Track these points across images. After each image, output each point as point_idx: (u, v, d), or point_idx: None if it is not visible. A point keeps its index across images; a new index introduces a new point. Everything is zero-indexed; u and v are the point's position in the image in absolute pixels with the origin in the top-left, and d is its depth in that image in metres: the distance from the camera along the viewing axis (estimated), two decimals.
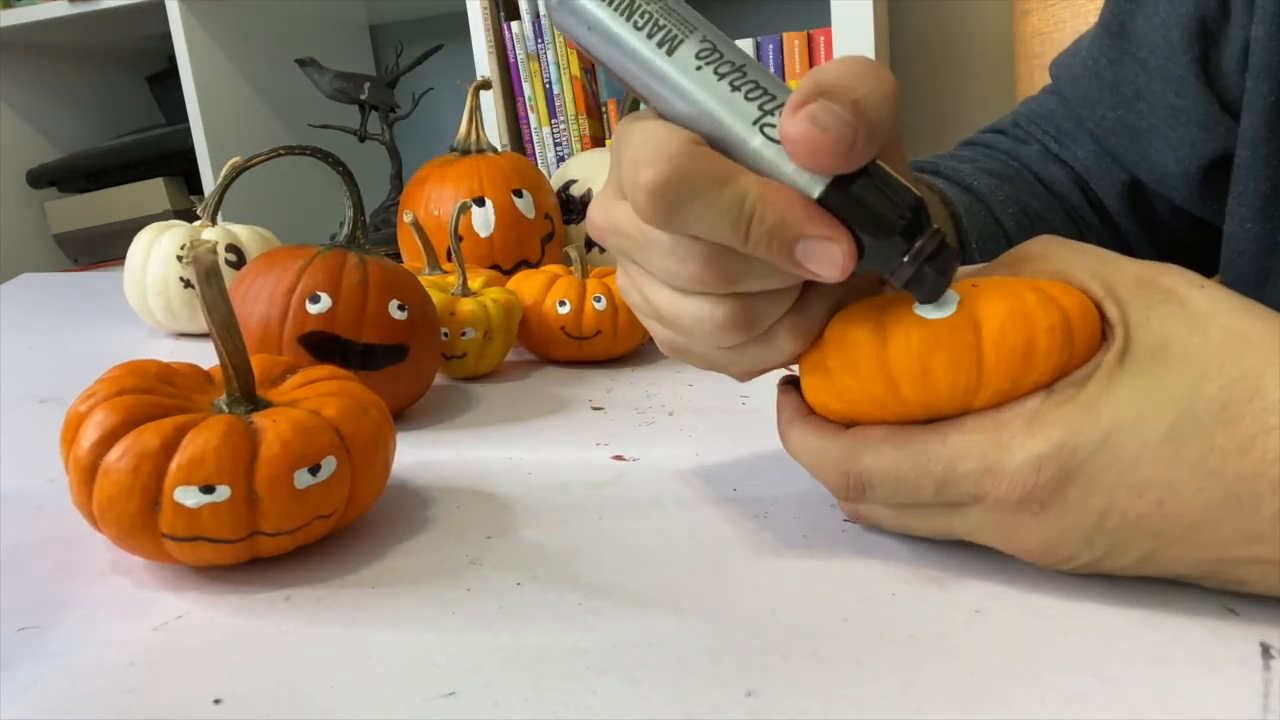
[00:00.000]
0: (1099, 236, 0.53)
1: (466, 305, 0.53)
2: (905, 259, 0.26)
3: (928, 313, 0.26)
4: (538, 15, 1.51)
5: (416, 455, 0.43)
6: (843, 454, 0.28)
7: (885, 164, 0.26)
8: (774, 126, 0.26)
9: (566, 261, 0.64)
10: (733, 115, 0.26)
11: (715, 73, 0.26)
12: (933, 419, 0.27)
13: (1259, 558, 0.24)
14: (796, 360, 0.30)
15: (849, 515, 0.31)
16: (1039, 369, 0.25)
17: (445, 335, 0.52)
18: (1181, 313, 0.26)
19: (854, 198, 0.26)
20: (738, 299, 0.28)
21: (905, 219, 0.26)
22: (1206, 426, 0.24)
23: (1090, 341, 0.26)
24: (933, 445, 0.27)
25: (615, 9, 0.26)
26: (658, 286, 0.29)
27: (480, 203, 0.70)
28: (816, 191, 0.26)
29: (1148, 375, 0.25)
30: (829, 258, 0.26)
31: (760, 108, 0.26)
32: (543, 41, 1.51)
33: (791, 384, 0.32)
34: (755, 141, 0.26)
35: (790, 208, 0.25)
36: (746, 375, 0.31)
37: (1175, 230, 0.52)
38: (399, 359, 0.45)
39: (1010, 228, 0.50)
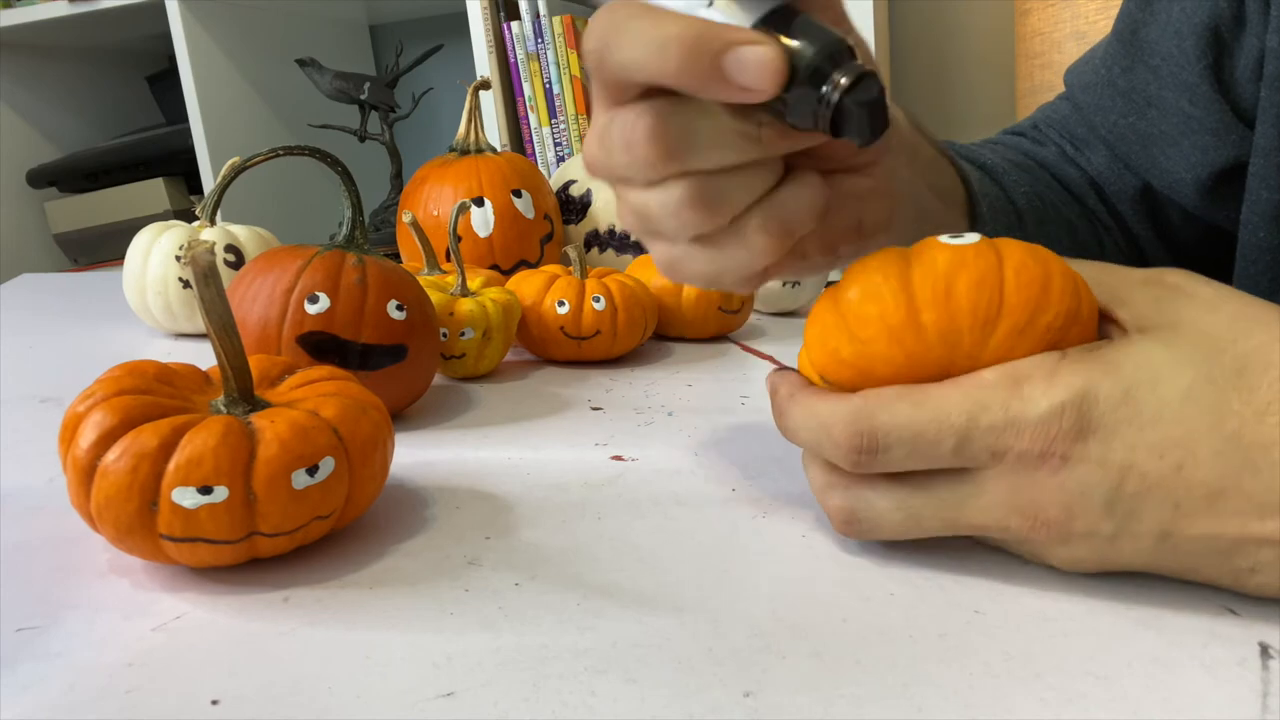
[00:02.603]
0: (1114, 237, 0.54)
1: (465, 305, 0.53)
2: (828, 86, 0.26)
3: (953, 241, 0.27)
4: (537, 15, 1.51)
5: (415, 455, 0.42)
6: (855, 412, 0.27)
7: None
8: None
9: (565, 261, 0.64)
10: None
11: None
12: (945, 367, 0.27)
13: (1272, 536, 0.24)
14: (775, 265, 0.31)
15: (845, 529, 0.30)
16: (1053, 308, 0.26)
17: (444, 335, 0.52)
18: (1190, 301, 0.27)
19: (781, 27, 0.26)
20: (696, 178, 0.28)
21: (825, 50, 0.26)
22: (1223, 390, 0.24)
23: (1093, 311, 0.27)
24: (952, 398, 0.26)
25: None
26: (631, 191, 0.30)
27: (479, 203, 0.70)
28: (749, 23, 0.26)
29: (1165, 343, 0.25)
30: (757, 63, 0.25)
31: None
32: (543, 41, 1.51)
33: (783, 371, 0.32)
34: (702, 11, 0.27)
35: (712, 26, 0.26)
36: (741, 283, 0.32)
37: (1189, 237, 0.52)
38: (398, 359, 0.45)
39: (1022, 206, 0.50)
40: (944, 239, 0.28)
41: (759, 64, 0.25)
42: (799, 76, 0.26)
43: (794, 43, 0.26)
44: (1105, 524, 0.25)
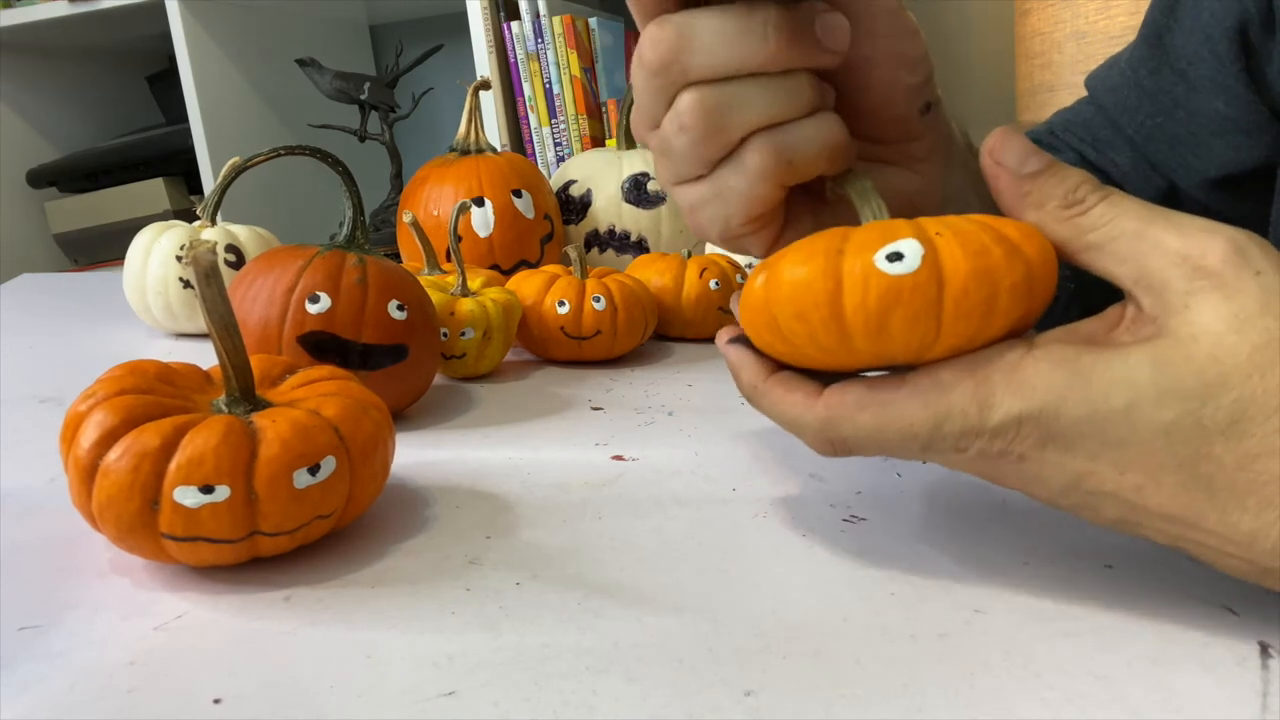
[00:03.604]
0: None
1: (466, 305, 0.53)
2: None
3: (889, 268, 0.25)
4: (537, 15, 1.51)
5: (416, 455, 0.43)
6: (820, 425, 0.28)
7: None
8: None
9: (566, 261, 0.64)
10: None
11: None
12: (884, 366, 0.27)
13: (1232, 554, 0.24)
14: (745, 230, 0.31)
15: (825, 454, 0.29)
16: (997, 326, 0.25)
17: (445, 335, 0.52)
18: (1224, 306, 0.23)
19: None
20: (701, 87, 0.28)
21: None
22: (1209, 434, 0.23)
23: (1048, 288, 0.25)
24: (912, 409, 0.26)
25: None
26: (653, 134, 0.30)
27: (479, 203, 0.70)
28: None
29: (1159, 366, 0.23)
30: None
31: None
32: (543, 41, 1.51)
33: (737, 341, 0.31)
34: None
35: None
36: (747, 223, 0.31)
37: None
38: (398, 359, 0.45)
39: None
40: (881, 261, 0.25)
41: None
42: None
43: None
44: (1061, 501, 0.26)
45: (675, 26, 0.28)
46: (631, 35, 1.65)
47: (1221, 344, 0.23)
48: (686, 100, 0.29)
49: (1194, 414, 0.23)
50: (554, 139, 1.56)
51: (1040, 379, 0.24)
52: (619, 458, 0.41)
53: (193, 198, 1.82)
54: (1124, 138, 0.53)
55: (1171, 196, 0.52)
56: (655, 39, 0.28)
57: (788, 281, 0.26)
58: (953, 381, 0.25)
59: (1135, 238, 0.25)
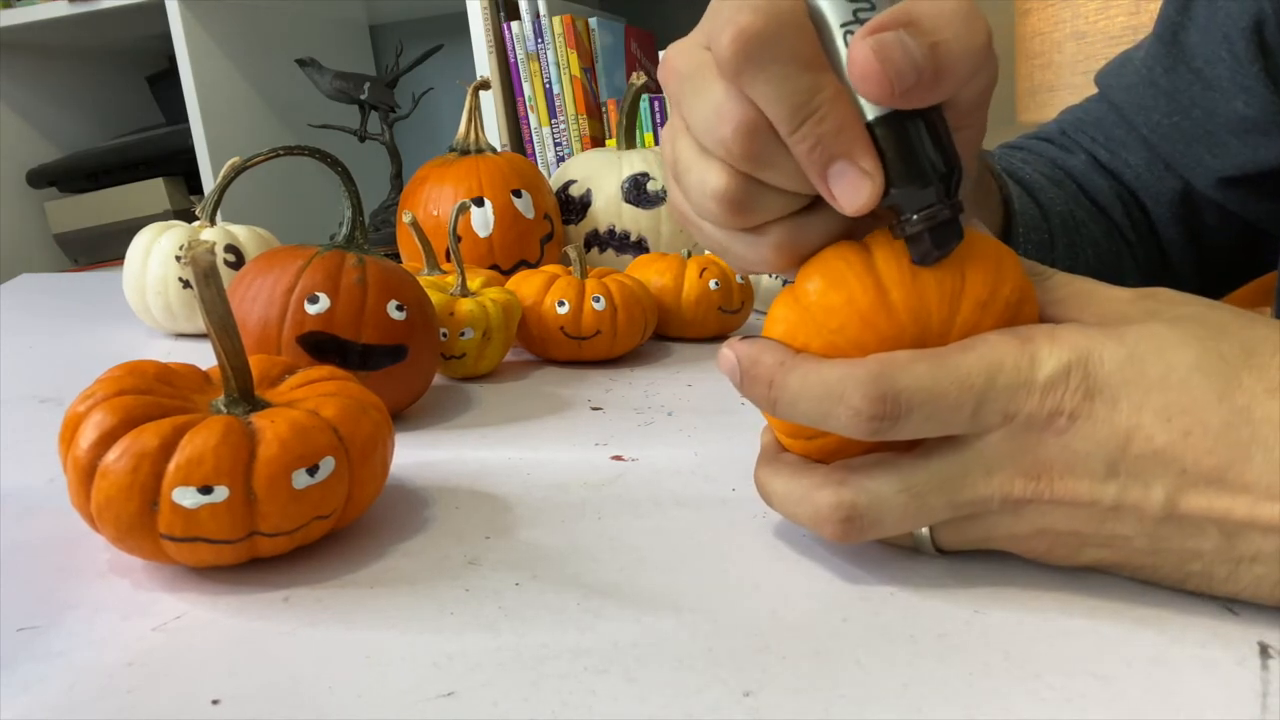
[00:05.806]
0: (1135, 252, 0.54)
1: (465, 305, 0.53)
2: (916, 215, 0.26)
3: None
4: (537, 15, 1.51)
5: (415, 455, 0.42)
6: (873, 377, 0.25)
7: (951, 123, 0.26)
8: (853, 35, 0.26)
9: (565, 261, 0.64)
10: (831, 7, 0.26)
11: None
12: (917, 342, 0.27)
13: (1268, 522, 0.23)
14: (774, 271, 0.30)
15: (843, 530, 0.27)
16: (1010, 282, 0.27)
17: (444, 335, 0.52)
18: (1187, 304, 0.27)
19: (901, 135, 0.26)
20: (743, 178, 0.27)
21: (938, 175, 0.26)
22: (1233, 366, 0.24)
23: (1033, 294, 0.28)
24: (968, 360, 0.26)
25: None
26: (687, 138, 0.28)
27: (479, 203, 0.70)
28: (871, 115, 0.26)
29: (1169, 324, 0.26)
30: (856, 189, 0.26)
31: (854, 13, 0.26)
32: (543, 41, 1.51)
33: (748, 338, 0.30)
34: (837, 41, 0.26)
35: (850, 124, 0.26)
36: (738, 267, 0.31)
37: (1222, 240, 0.53)
38: (398, 359, 0.45)
39: (1055, 226, 0.50)
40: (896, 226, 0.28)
41: (855, 192, 0.26)
42: (904, 178, 0.26)
43: (919, 144, 0.26)
44: (1109, 486, 0.25)
45: (769, 141, 0.26)
46: (631, 34, 1.65)
47: (1202, 314, 0.26)
48: (724, 183, 0.27)
49: (1213, 350, 0.25)
50: (554, 139, 1.57)
51: (1078, 335, 0.25)
52: (618, 458, 0.41)
53: (193, 198, 1.82)
54: (1138, 136, 0.53)
55: (1186, 196, 0.52)
56: (744, 129, 0.26)
57: (818, 267, 0.28)
58: (1000, 341, 0.26)
59: (1088, 299, 0.28)
